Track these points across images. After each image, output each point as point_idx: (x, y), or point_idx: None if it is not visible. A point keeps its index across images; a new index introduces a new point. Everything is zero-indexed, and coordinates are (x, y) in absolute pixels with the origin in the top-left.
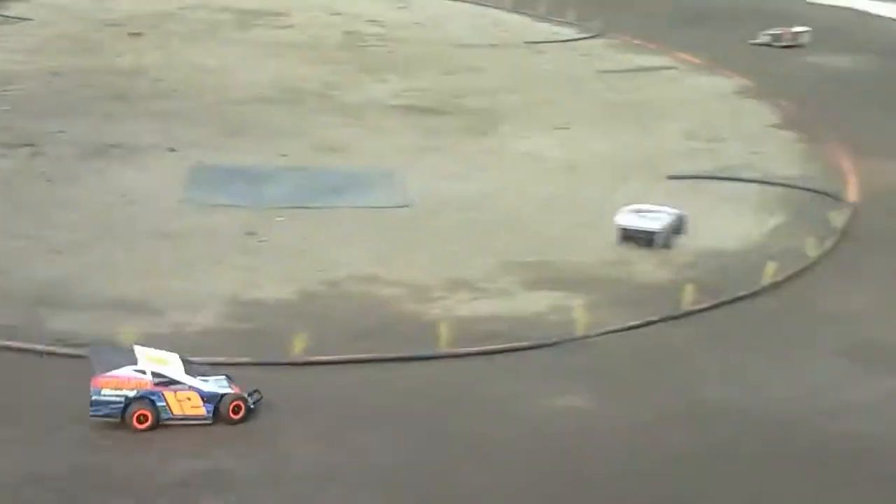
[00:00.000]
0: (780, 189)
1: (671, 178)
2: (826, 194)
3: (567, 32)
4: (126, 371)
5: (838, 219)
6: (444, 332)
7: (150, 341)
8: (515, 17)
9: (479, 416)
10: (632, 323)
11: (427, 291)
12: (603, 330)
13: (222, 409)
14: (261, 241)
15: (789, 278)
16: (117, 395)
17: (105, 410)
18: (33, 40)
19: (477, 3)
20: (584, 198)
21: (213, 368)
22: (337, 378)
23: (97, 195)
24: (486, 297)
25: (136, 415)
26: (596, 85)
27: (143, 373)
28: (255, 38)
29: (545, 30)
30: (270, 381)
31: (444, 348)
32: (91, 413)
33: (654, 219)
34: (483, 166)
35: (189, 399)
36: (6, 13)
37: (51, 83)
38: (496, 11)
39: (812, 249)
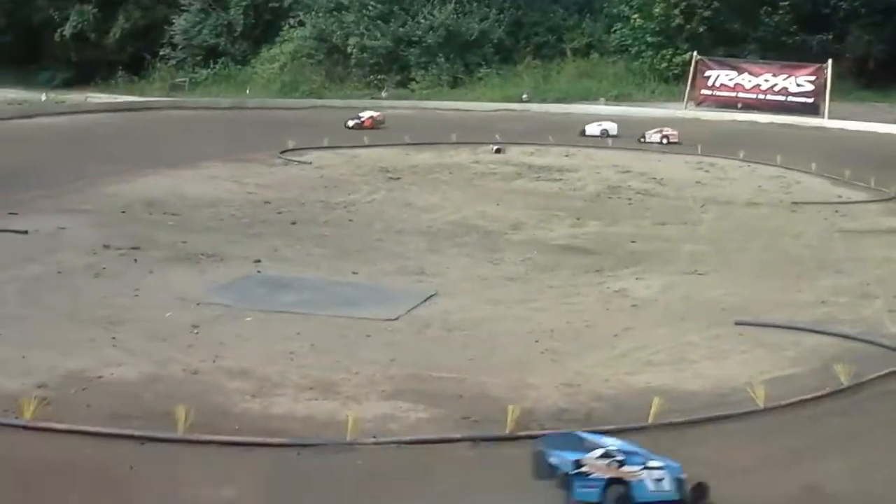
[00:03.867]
0: (859, 345)
1: (738, 323)
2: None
3: (859, 195)
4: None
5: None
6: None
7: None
8: (817, 180)
9: None
10: None
11: (275, 389)
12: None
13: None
14: (193, 332)
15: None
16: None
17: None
18: (292, 177)
19: (787, 168)
20: (599, 334)
21: None
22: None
23: (116, 289)
24: (316, 399)
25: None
26: (812, 241)
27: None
28: (507, 187)
29: (834, 192)
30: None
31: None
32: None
33: None
34: (546, 297)
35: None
36: (297, 158)
37: (251, 208)
38: (799, 174)
39: (761, 400)
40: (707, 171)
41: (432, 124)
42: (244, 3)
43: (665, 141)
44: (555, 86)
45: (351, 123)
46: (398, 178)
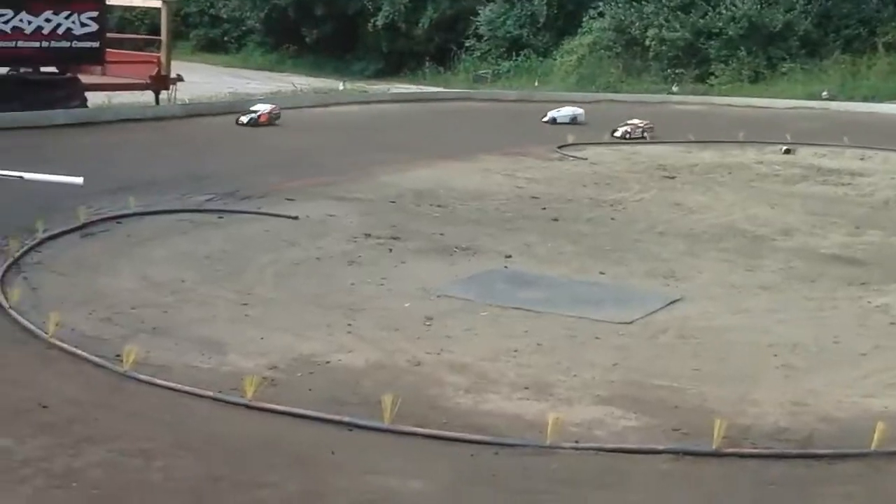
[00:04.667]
0: None
1: None
2: None
3: None
4: None
5: None
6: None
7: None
8: None
9: None
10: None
11: (489, 385)
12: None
13: None
14: (426, 324)
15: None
16: None
17: None
18: (565, 173)
19: None
20: (845, 351)
21: None
22: None
23: (365, 277)
24: (527, 399)
25: None
26: None
27: None
28: (787, 190)
29: None
30: None
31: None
32: None
33: None
34: (798, 309)
35: None
36: (574, 154)
37: (516, 202)
38: None
39: None
40: None
41: (722, 121)
42: None
43: (647, 136)
44: (863, 83)
45: (244, 119)
46: (673, 177)
